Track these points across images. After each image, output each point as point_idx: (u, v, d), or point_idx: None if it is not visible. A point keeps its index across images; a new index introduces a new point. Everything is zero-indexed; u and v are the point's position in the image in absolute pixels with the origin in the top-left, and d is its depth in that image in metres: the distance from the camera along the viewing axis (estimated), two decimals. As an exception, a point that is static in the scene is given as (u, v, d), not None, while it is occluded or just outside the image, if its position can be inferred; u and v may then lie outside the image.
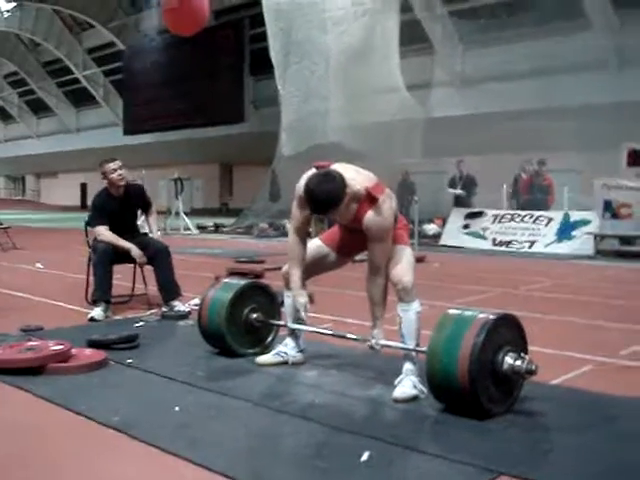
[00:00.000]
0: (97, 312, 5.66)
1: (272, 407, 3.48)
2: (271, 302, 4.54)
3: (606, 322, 5.91)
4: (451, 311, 3.58)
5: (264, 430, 3.23)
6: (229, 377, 4.04)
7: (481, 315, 3.39)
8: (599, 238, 12.60)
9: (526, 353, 3.41)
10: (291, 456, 2.90)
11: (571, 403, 3.62)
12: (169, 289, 5.98)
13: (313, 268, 4.09)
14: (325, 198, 3.57)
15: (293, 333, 4.24)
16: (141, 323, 5.48)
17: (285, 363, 4.20)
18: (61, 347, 4.08)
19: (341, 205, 3.59)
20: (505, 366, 3.30)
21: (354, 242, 3.93)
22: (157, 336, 5.18)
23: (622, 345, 4.93)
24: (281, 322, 4.46)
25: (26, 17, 36.23)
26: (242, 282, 4.59)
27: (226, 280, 4.75)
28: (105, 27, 33.05)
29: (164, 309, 5.86)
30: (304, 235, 4.03)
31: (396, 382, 3.64)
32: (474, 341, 3.21)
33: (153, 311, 6.00)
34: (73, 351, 4.13)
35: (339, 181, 3.57)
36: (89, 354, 4.22)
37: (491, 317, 3.34)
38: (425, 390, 3.57)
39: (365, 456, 2.79)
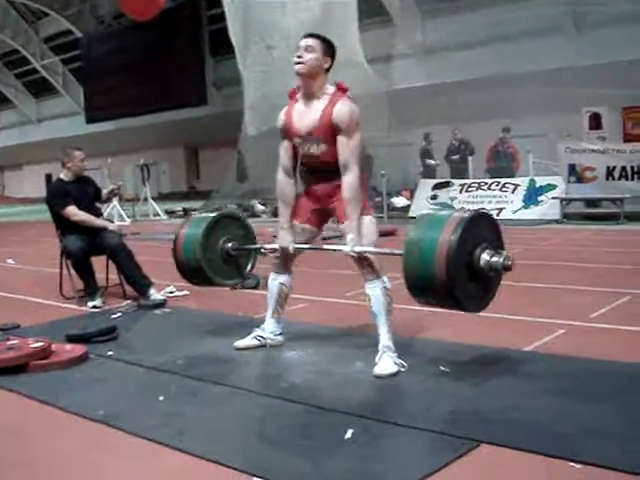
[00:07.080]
0: (97, 301, 5.93)
1: (254, 390, 3.54)
2: (246, 231, 4.59)
3: (576, 286, 6.04)
4: (426, 211, 3.70)
5: (247, 414, 3.27)
6: (209, 363, 4.08)
7: (456, 214, 3.44)
8: (565, 202, 12.78)
9: (503, 250, 3.47)
10: (276, 438, 2.93)
11: (545, 368, 3.70)
12: (140, 283, 6.06)
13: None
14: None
15: (273, 317, 4.28)
16: (118, 314, 5.50)
17: (263, 346, 4.24)
18: (41, 344, 4.09)
19: (323, 51, 4.09)
20: (482, 262, 3.36)
21: (320, 212, 4.07)
22: (135, 327, 5.23)
23: (592, 308, 5.05)
24: (257, 245, 4.53)
25: (-21, 9, 35.55)
26: (213, 214, 4.61)
27: (197, 215, 4.79)
28: (61, 15, 32.48)
29: (141, 301, 5.90)
30: (292, 171, 4.10)
31: (376, 359, 3.69)
32: (450, 237, 3.24)
33: (129, 301, 6.03)
34: (53, 347, 4.14)
35: None
36: (69, 349, 4.24)
37: (466, 215, 3.38)
38: (405, 364, 3.64)
39: (349, 433, 2.86)
